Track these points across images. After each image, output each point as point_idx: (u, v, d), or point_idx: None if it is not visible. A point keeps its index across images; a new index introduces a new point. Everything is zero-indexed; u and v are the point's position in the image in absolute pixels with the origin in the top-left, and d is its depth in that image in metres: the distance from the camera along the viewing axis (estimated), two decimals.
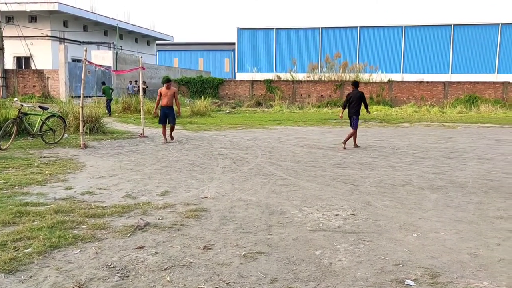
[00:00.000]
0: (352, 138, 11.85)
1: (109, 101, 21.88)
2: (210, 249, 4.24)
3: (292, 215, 5.41)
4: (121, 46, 42.50)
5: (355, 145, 11.88)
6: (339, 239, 4.59)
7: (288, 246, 4.34)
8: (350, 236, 4.67)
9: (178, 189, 6.74)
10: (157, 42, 54.71)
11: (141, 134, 13.85)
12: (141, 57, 15.79)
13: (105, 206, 5.64)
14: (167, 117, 12.50)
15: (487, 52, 46.21)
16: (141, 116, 14.44)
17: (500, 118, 24.44)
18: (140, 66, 14.49)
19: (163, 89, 12.49)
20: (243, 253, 4.14)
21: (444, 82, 32.03)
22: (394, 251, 4.26)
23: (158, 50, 59.97)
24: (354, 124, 11.76)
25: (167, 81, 12.58)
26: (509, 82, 30.93)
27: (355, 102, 11.84)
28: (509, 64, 45.41)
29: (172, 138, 12.80)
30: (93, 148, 11.01)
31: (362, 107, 12.14)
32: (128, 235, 4.59)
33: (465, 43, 46.82)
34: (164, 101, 12.43)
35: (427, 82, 32.85)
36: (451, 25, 47.16)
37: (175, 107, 12.84)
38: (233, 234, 4.68)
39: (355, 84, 12.29)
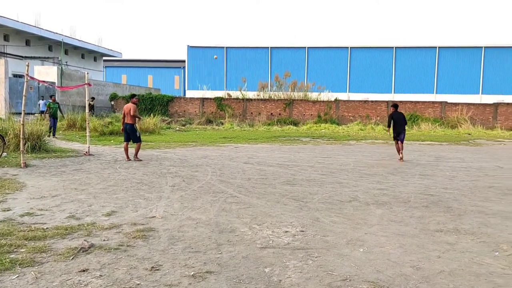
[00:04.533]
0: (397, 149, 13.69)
1: (53, 119, 19.56)
2: (157, 270, 4.13)
3: (242, 233, 5.40)
4: (66, 62, 41.16)
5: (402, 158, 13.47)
6: (288, 255, 4.62)
7: (238, 265, 4.32)
8: (299, 253, 4.72)
9: (125, 208, 6.55)
10: (104, 58, 53.49)
11: (86, 152, 13.40)
12: (87, 73, 15.38)
13: (47, 228, 5.38)
14: (128, 134, 12.32)
15: (427, 73, 48.89)
16: (87, 134, 13.99)
17: (439, 136, 25.79)
18: (86, 82, 14.09)
19: (125, 105, 12.50)
20: (192, 273, 4.07)
21: (387, 101, 33.43)
22: (342, 266, 4.34)
23: (106, 67, 58.64)
24: (401, 138, 13.61)
25: (131, 97, 12.74)
26: (446, 102, 32.79)
27: (400, 121, 13.82)
28: (447, 85, 48.24)
29: (136, 157, 12.29)
30: (34, 167, 10.51)
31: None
32: (71, 258, 4.39)
33: (406, 65, 49.29)
34: (126, 118, 12.35)
35: (372, 101, 34.18)
36: (393, 47, 49.57)
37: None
38: (182, 254, 4.59)
39: (396, 106, 14.36)
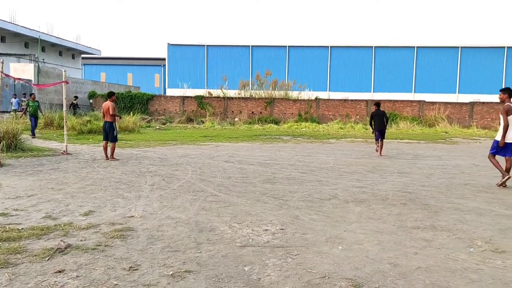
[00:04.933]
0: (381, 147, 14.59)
1: (33, 118, 18.89)
2: (136, 270, 4.09)
3: (222, 232, 5.38)
4: (43, 59, 40.37)
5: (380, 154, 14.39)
6: (268, 254, 4.63)
7: (217, 264, 4.31)
8: (278, 251, 4.73)
9: (103, 208, 6.46)
10: (83, 55, 52.68)
11: (64, 151, 13.18)
12: (65, 71, 15.10)
13: (22, 229, 5.27)
14: (107, 133, 12.15)
15: (405, 72, 49.62)
16: (65, 133, 13.76)
17: (417, 134, 26.20)
18: (63, 80, 13.85)
19: (103, 104, 12.38)
20: (171, 272, 4.04)
21: (366, 100, 33.84)
22: (321, 263, 4.37)
23: (84, 64, 57.74)
24: (380, 136, 14.38)
25: (109, 95, 12.44)
26: (424, 101, 33.35)
27: (380, 119, 14.52)
28: (424, 84, 49.06)
29: (112, 157, 12.01)
30: (10, 167, 10.28)
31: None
32: (47, 258, 4.31)
33: (385, 64, 49.93)
34: (106, 117, 12.22)
35: (352, 100, 34.51)
36: (372, 47, 50.13)
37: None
38: (160, 254, 4.56)
39: (378, 104, 15.11)
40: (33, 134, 18.44)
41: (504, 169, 8.80)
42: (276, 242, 5.02)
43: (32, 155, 12.48)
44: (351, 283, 3.90)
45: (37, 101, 19.59)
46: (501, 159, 8.99)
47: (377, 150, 14.64)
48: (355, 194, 7.93)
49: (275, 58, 51.10)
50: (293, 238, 5.21)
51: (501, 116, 8.76)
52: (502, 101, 8.81)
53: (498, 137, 8.86)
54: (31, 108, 18.89)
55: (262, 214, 6.32)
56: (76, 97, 30.39)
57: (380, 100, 33.52)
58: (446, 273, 4.17)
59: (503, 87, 9.09)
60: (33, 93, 20.21)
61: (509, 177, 8.70)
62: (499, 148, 8.82)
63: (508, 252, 4.81)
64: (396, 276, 4.08)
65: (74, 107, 29.20)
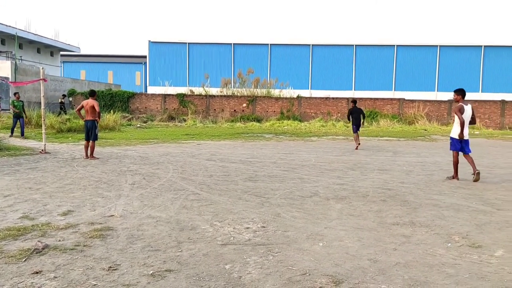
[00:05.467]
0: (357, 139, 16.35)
1: (16, 119, 18.37)
2: (115, 269, 4.05)
3: (203, 230, 5.36)
4: (20, 56, 39.51)
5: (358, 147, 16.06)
6: (249, 252, 4.63)
7: (198, 262, 4.29)
8: (260, 248, 4.73)
9: (82, 207, 6.37)
10: (62, 53, 51.73)
11: (42, 150, 12.94)
12: (43, 68, 14.80)
13: None
14: (89, 131, 11.94)
15: (385, 71, 50.14)
16: (43, 131, 13.51)
17: (397, 132, 26.52)
18: (41, 77, 13.58)
19: (84, 101, 12.16)
20: (151, 272, 4.01)
21: (348, 98, 34.05)
22: (302, 260, 4.39)
23: (64, 62, 56.72)
24: (355, 130, 16.29)
25: (91, 93, 12.33)
26: (404, 99, 33.74)
27: (357, 115, 16.23)
28: (404, 82, 49.67)
29: (92, 156, 11.87)
30: None
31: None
32: (24, 259, 4.23)
33: (366, 62, 50.37)
34: (86, 115, 12.03)
35: (333, 98, 34.70)
36: (353, 45, 50.51)
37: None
38: (141, 253, 4.51)
39: (354, 102, 16.91)
40: (22, 134, 18.05)
41: (456, 171, 9.73)
42: (257, 240, 5.03)
43: (9, 154, 12.22)
44: (332, 279, 3.93)
45: (22, 101, 19.09)
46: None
47: (357, 148, 15.97)
48: (336, 191, 7.99)
49: (257, 56, 51.05)
50: (274, 235, 5.22)
51: (455, 115, 9.64)
52: (456, 101, 9.74)
53: (452, 134, 9.77)
54: (16, 108, 18.37)
55: (243, 212, 6.32)
56: (64, 96, 30.07)
57: (361, 98, 34.14)
58: (424, 268, 4.24)
59: (457, 88, 10.17)
60: (17, 92, 19.57)
61: (456, 179, 9.57)
62: (456, 145, 9.70)
63: (484, 247, 4.92)
64: (376, 272, 4.13)
65: (63, 106, 29.03)
